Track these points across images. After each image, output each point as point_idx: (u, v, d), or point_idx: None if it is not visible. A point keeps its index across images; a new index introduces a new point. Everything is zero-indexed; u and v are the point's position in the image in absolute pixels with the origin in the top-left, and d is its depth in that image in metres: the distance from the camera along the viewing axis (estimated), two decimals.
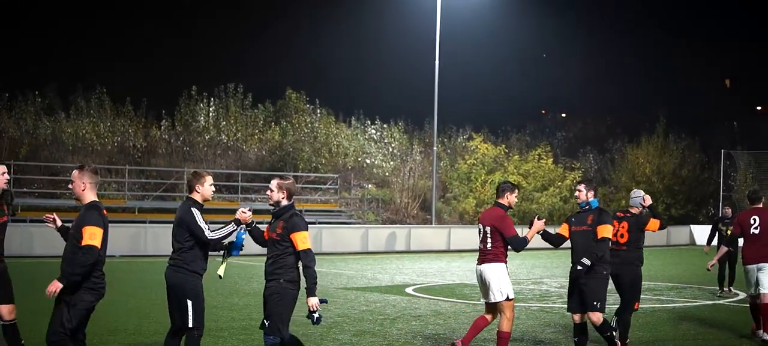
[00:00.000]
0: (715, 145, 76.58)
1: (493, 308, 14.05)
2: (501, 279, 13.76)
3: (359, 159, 63.02)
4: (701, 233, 61.78)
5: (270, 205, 11.77)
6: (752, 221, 16.70)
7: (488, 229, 13.77)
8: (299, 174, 56.97)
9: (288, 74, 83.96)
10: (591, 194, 13.78)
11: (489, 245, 13.77)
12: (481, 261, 13.87)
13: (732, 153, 71.71)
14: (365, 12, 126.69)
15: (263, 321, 11.53)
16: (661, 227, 15.41)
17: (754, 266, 16.49)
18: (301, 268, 11.41)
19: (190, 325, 11.30)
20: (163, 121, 59.97)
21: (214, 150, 59.01)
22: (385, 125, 67.53)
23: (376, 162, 63.67)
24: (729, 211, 25.03)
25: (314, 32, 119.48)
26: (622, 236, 15.05)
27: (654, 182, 69.92)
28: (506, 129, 76.64)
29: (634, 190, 16.04)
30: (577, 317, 14.06)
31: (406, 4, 72.74)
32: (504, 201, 13.96)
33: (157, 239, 40.85)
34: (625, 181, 70.90)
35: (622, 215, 15.38)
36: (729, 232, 21.48)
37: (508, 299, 13.77)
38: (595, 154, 79.83)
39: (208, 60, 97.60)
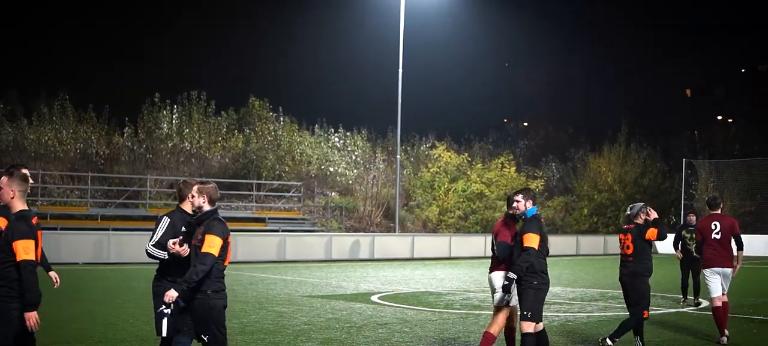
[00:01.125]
0: (676, 154, 77.21)
1: (507, 315, 14.10)
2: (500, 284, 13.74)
3: (323, 167, 63.04)
4: (662, 241, 62.06)
5: (192, 211, 11.43)
6: (713, 226, 17.22)
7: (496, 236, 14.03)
8: (263, 182, 56.93)
9: (251, 82, 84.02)
10: (529, 204, 12.99)
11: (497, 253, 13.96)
12: (491, 269, 14.05)
13: (693, 162, 72.24)
14: (329, 21, 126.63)
15: (201, 336, 11.04)
16: (660, 236, 15.41)
17: (718, 269, 17.04)
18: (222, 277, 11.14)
19: (164, 334, 11.23)
20: (126, 128, 59.84)
21: (177, 157, 58.85)
22: (348, 133, 67.60)
23: (339, 170, 63.71)
24: (693, 218, 24.80)
25: (278, 41, 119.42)
26: (627, 247, 15.54)
27: (616, 191, 70.31)
28: (469, 137, 76.91)
29: (633, 203, 16.26)
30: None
31: (369, 12, 72.89)
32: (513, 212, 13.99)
33: (120, 247, 40.72)
34: (588, 189, 71.29)
35: (626, 227, 15.77)
36: (694, 239, 21.70)
37: (508, 305, 13.80)
38: (557, 162, 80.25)
39: (171, 67, 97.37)
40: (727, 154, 76.83)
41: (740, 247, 17.59)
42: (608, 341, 15.52)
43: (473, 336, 17.29)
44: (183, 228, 11.45)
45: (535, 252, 12.60)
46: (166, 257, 11.29)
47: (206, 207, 11.35)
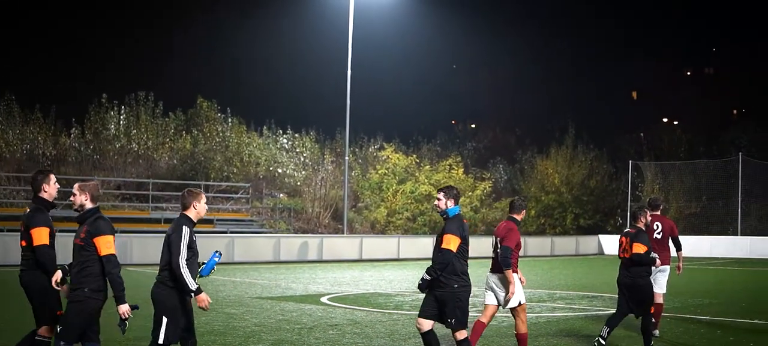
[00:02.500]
0: (622, 156, 77.74)
1: (493, 313, 14.97)
2: (514, 286, 14.41)
3: (271, 168, 62.94)
4: (608, 242, 62.63)
5: (74, 210, 11.39)
6: (655, 227, 18.28)
7: (498, 239, 14.56)
8: (211, 183, 56.74)
9: (199, 83, 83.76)
10: (451, 203, 12.63)
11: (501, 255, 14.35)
12: (492, 269, 14.71)
13: (639, 164, 72.82)
14: (277, 22, 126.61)
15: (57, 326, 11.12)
16: (637, 255, 15.64)
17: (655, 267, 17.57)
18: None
19: (160, 341, 11.15)
20: (73, 129, 59.40)
21: (124, 158, 58.52)
22: (296, 135, 67.55)
23: (287, 171, 63.64)
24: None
25: (226, 42, 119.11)
26: (625, 250, 15.86)
27: (563, 192, 70.68)
28: (417, 139, 77.07)
29: (637, 206, 16.71)
30: (424, 325, 12.99)
31: (318, 13, 72.86)
32: (517, 215, 14.80)
33: (67, 249, 40.28)
34: (535, 191, 71.60)
35: (627, 230, 16.14)
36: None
37: (520, 303, 14.62)
38: (505, 164, 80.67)
39: (118, 68, 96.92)
40: (673, 157, 77.47)
41: (679, 248, 18.77)
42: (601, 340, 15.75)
43: (421, 337, 17.34)
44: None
45: (453, 254, 12.35)
46: (193, 288, 11.20)
47: (88, 205, 11.36)
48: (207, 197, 11.93)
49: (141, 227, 48.12)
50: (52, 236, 11.91)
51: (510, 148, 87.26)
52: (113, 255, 10.94)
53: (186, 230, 11.31)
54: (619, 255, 16.14)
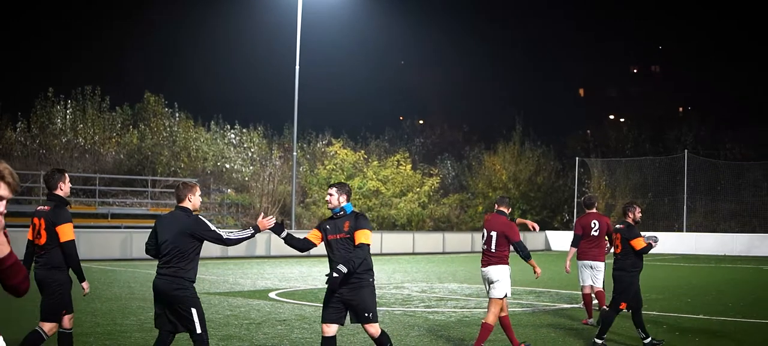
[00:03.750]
0: (569, 152, 78.24)
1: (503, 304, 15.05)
2: (505, 279, 14.72)
3: (218, 164, 62.76)
4: (556, 238, 63.06)
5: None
6: (593, 225, 19.11)
7: (494, 234, 14.77)
8: (158, 178, 56.46)
9: (146, 78, 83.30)
10: (343, 199, 12.32)
11: (494, 249, 14.75)
12: (486, 263, 14.83)
13: (586, 160, 73.26)
14: (225, 17, 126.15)
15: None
16: (642, 250, 15.88)
17: (589, 262, 19.19)
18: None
19: (198, 331, 11.21)
20: (19, 123, 58.90)
21: (71, 153, 58.12)
22: (244, 130, 67.42)
23: (235, 167, 63.50)
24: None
25: (173, 36, 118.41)
26: (616, 246, 16.21)
27: (510, 189, 70.94)
28: (365, 135, 77.16)
29: (627, 202, 16.90)
30: (330, 330, 12.36)
31: (266, 8, 72.50)
32: (506, 209, 15.12)
33: (13, 244, 39.83)
34: (483, 187, 71.84)
35: (618, 226, 16.33)
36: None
37: (504, 296, 14.76)
38: (452, 160, 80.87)
39: (65, 62, 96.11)
40: (620, 153, 78.08)
41: (612, 243, 18.64)
42: (597, 341, 15.70)
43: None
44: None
45: (368, 248, 12.11)
46: (252, 233, 11.73)
47: None
48: (153, 193, 12.05)
49: (88, 222, 47.78)
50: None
51: (457, 145, 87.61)
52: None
53: (204, 219, 11.64)
54: (613, 251, 16.41)
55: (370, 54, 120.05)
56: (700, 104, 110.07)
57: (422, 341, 16.42)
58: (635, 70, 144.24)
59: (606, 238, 19.12)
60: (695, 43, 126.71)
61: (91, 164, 58.00)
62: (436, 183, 69.63)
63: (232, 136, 66.76)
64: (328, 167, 65.46)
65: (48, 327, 12.04)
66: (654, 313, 21.67)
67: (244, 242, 48.29)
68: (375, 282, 12.27)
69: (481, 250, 15.10)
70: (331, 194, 12.29)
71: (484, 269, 14.91)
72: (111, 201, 53.68)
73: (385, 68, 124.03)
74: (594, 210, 19.52)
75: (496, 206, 15.23)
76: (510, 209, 15.28)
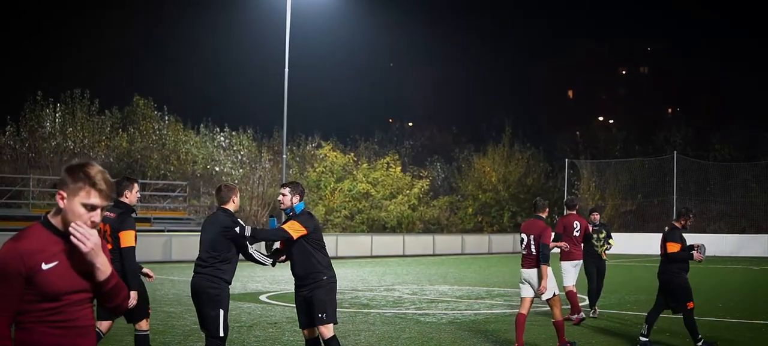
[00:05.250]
0: (559, 154, 78.29)
1: (530, 304, 15.80)
2: (550, 280, 15.39)
3: (208, 166, 62.66)
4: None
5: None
6: (575, 225, 20.02)
7: (532, 238, 15.49)
8: (148, 181, 56.40)
9: (136, 81, 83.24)
10: (296, 199, 12.05)
11: (534, 252, 15.43)
12: (528, 265, 15.56)
13: (575, 162, 73.38)
14: (214, 20, 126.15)
15: None
16: (673, 254, 16.07)
17: (574, 262, 20.01)
18: None
19: (221, 334, 11.36)
20: (8, 126, 58.71)
21: (60, 156, 57.87)
22: (234, 133, 67.31)
23: (225, 170, 63.38)
24: (597, 216, 23.26)
25: (163, 39, 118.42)
26: (662, 247, 16.39)
27: (500, 190, 71.04)
28: (355, 137, 77.10)
29: (685, 208, 17.01)
30: (306, 333, 12.36)
31: (255, 11, 72.51)
32: (542, 213, 15.95)
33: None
34: (472, 189, 71.91)
35: (667, 229, 16.58)
36: (601, 237, 21.68)
37: (555, 295, 15.54)
38: (442, 162, 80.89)
39: (54, 65, 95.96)
40: (609, 155, 78.18)
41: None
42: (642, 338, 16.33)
43: (363, 335, 17.41)
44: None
45: (288, 236, 11.85)
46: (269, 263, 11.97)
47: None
48: (143, 196, 12.20)
49: None
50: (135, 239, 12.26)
51: (447, 147, 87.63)
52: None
53: (248, 227, 11.62)
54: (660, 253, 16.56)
55: (359, 56, 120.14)
56: (688, 105, 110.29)
57: (414, 343, 16.45)
58: (624, 72, 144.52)
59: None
60: (683, 44, 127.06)
61: None
62: (426, 185, 69.65)
63: (222, 139, 66.65)
64: (318, 170, 65.47)
65: (142, 325, 12.62)
66: (644, 313, 21.72)
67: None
68: (336, 282, 12.15)
69: (521, 253, 15.80)
70: (283, 194, 12.05)
71: (525, 270, 15.61)
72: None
73: (374, 71, 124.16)
74: (574, 212, 20.60)
75: (535, 210, 16.07)
76: (546, 212, 16.07)
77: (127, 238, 11.95)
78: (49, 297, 5.23)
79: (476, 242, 61.97)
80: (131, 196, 12.46)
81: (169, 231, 48.28)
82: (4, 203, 50.03)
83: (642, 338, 16.31)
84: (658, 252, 16.54)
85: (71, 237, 5.20)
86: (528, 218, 16.33)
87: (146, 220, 50.96)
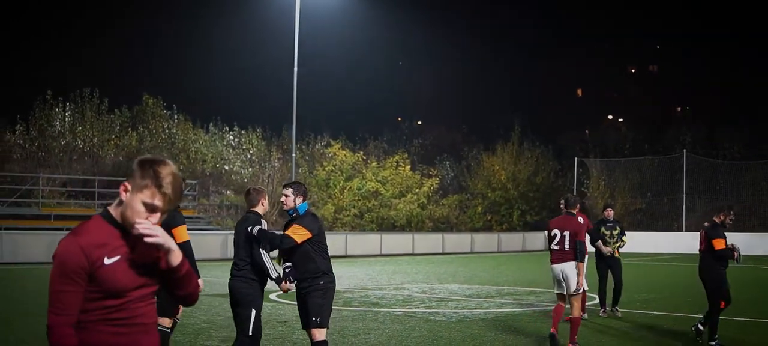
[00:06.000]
0: (568, 152, 78.17)
1: (566, 299, 15.95)
2: (576, 275, 15.68)
3: (217, 165, 62.72)
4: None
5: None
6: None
7: (567, 233, 15.71)
8: None
9: (145, 80, 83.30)
10: (300, 199, 11.89)
11: (568, 247, 15.64)
12: (560, 260, 15.76)
13: (585, 160, 73.30)
14: (223, 19, 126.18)
15: None
16: (720, 251, 16.08)
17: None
18: None
19: (250, 333, 11.41)
20: (18, 125, 58.79)
21: (70, 155, 58.01)
22: (243, 131, 67.33)
23: (234, 168, 63.45)
24: (610, 213, 22.00)
25: (172, 38, 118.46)
26: (701, 243, 16.61)
27: (509, 189, 71.01)
28: (364, 136, 77.04)
29: (725, 206, 17.19)
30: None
31: (264, 10, 72.43)
32: (575, 211, 16.25)
33: (13, 246, 40.14)
34: (481, 188, 71.89)
35: (706, 224, 16.72)
36: (615, 234, 21.30)
37: (583, 291, 16.05)
38: (451, 161, 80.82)
39: (63, 64, 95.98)
40: (618, 153, 78.12)
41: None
42: (700, 326, 16.49)
43: (372, 333, 17.41)
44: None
45: (292, 242, 11.64)
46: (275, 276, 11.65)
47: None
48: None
49: None
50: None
51: (456, 145, 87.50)
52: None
53: (265, 224, 11.69)
54: (699, 249, 16.71)
55: (369, 55, 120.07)
56: (698, 104, 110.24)
57: (423, 342, 16.44)
58: (633, 70, 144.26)
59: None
60: (693, 43, 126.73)
61: (90, 167, 57.92)
62: (435, 184, 69.65)
63: (231, 137, 66.69)
64: (327, 169, 65.49)
65: (168, 322, 12.73)
66: (653, 312, 21.73)
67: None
68: (334, 286, 11.90)
69: (551, 249, 15.94)
70: (286, 195, 11.95)
71: (557, 266, 15.79)
72: (110, 203, 53.70)
73: (383, 69, 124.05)
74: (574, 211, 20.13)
75: (566, 207, 16.22)
76: (577, 208, 16.34)
77: (181, 233, 12.20)
78: (112, 293, 4.99)
79: (485, 240, 62.02)
80: (263, 207, 12.49)
81: None
82: (14, 201, 50.11)
83: (700, 326, 16.45)
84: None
85: (137, 233, 4.97)
86: (557, 216, 16.55)
87: None
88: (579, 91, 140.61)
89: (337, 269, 36.08)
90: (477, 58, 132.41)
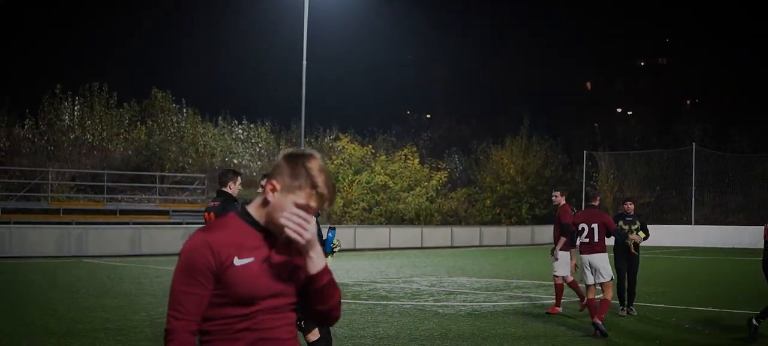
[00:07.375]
0: (577, 146, 78.03)
1: (594, 290, 16.82)
2: (608, 265, 16.85)
3: (226, 159, 62.66)
4: None
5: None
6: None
7: (595, 226, 16.70)
8: (166, 174, 56.49)
9: (154, 73, 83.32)
10: None
11: (597, 239, 16.68)
12: (590, 251, 16.73)
13: (594, 154, 73.20)
14: (232, 12, 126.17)
15: None
16: None
17: (568, 252, 19.54)
18: None
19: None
20: (27, 120, 58.80)
21: (79, 150, 57.99)
22: (252, 125, 67.31)
23: (243, 162, 63.39)
24: (631, 206, 21.00)
25: (180, 31, 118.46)
26: (766, 235, 17.08)
27: (518, 182, 70.95)
28: (372, 129, 76.92)
29: None
30: (310, 336, 11.60)
31: (273, 4, 72.35)
32: (596, 203, 17.48)
33: (22, 240, 40.20)
34: (490, 181, 71.83)
35: None
36: (634, 228, 20.37)
37: (611, 278, 16.87)
38: (460, 154, 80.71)
39: (72, 58, 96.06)
40: (627, 146, 77.95)
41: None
42: (754, 322, 16.22)
43: (381, 326, 17.40)
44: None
45: None
46: None
47: None
48: (161, 189, 12.10)
49: (96, 218, 47.80)
50: None
51: (465, 139, 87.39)
52: None
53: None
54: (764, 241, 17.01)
55: (378, 48, 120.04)
56: (707, 97, 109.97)
57: (432, 335, 16.42)
58: (642, 63, 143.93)
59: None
60: (702, 35, 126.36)
61: (99, 161, 57.89)
62: (444, 177, 69.59)
63: (240, 131, 66.64)
64: (335, 162, 65.43)
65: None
66: (662, 305, 21.72)
67: None
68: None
69: (581, 243, 16.90)
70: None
71: (588, 256, 16.70)
72: (119, 197, 53.74)
73: (392, 62, 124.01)
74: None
75: (589, 200, 17.44)
76: (598, 201, 17.52)
77: None
78: (241, 300, 4.32)
79: (494, 234, 62.02)
80: (234, 187, 13.56)
81: (187, 223, 48.34)
82: (23, 196, 50.20)
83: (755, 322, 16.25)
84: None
85: (284, 228, 4.24)
86: (582, 210, 17.71)
87: (164, 213, 51.06)
88: (588, 84, 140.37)
89: (346, 262, 36.14)
90: (486, 52, 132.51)
